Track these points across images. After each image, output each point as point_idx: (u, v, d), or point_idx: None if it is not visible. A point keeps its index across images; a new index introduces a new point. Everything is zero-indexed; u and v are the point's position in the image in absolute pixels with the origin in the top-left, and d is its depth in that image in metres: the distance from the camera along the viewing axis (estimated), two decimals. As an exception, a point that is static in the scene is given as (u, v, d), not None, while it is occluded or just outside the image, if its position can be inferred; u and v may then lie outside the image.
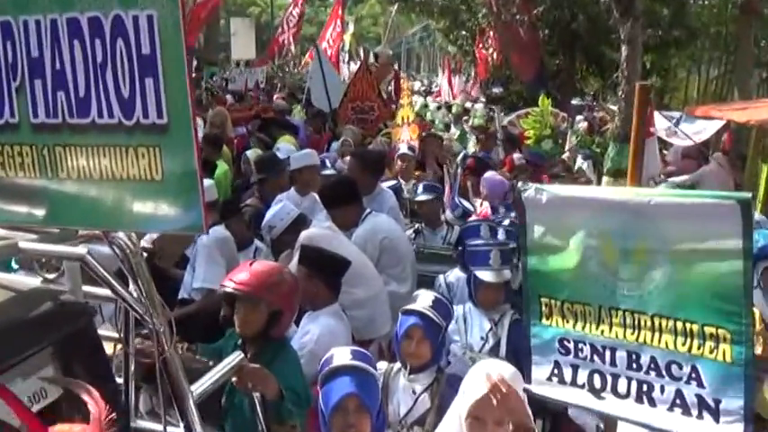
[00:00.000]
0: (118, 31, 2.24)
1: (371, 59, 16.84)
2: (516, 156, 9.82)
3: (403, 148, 8.15)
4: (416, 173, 8.05)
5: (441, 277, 5.17)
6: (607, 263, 2.70)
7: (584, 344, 2.77)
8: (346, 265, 4.13)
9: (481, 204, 7.99)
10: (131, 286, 2.50)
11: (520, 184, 2.93)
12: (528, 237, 2.89)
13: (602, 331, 2.74)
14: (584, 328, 2.78)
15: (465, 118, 16.13)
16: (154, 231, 3.66)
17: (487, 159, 9.51)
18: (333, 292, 4.10)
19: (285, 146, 8.09)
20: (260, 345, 3.36)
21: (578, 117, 13.54)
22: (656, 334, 2.62)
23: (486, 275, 4.34)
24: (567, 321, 2.82)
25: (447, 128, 13.07)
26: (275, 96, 17.11)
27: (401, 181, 7.63)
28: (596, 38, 17.47)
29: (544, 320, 2.88)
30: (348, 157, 9.18)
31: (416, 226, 6.41)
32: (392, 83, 14.76)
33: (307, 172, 6.24)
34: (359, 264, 4.54)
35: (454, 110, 16.51)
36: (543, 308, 2.88)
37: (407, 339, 3.46)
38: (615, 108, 11.12)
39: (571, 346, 2.81)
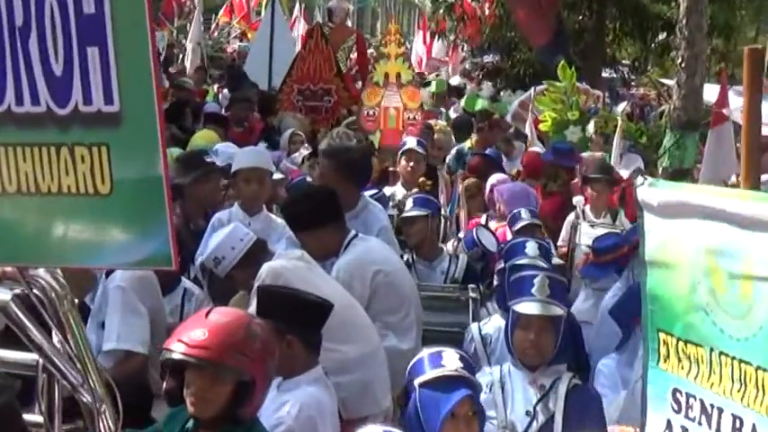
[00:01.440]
0: (46, -19, 2.28)
1: (321, 19, 17.00)
2: (534, 150, 9.97)
3: (411, 142, 8.21)
4: (423, 180, 8.11)
5: (473, 328, 5.21)
6: (716, 291, 2.80)
7: (695, 399, 2.85)
8: (327, 311, 4.17)
9: (487, 221, 8.13)
10: (56, 343, 2.52)
11: (639, 179, 3.04)
12: (646, 248, 2.99)
13: (712, 384, 2.82)
14: (696, 378, 2.85)
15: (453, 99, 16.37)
16: (96, 266, 3.66)
17: (497, 157, 9.65)
18: (312, 351, 4.12)
19: (226, 147, 8.07)
20: (222, 430, 3.36)
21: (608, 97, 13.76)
22: (760, 394, 2.69)
23: (525, 307, 4.41)
24: (682, 367, 2.89)
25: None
26: (185, 72, 17.17)
27: (395, 190, 7.76)
28: (634, -17, 17.89)
29: (662, 364, 2.96)
30: (298, 154, 9.31)
31: (405, 258, 6.42)
32: (354, 51, 14.85)
33: (257, 179, 6.28)
34: (345, 309, 4.56)
35: (435, 87, 16.72)
36: (661, 346, 2.97)
37: (454, 421, 3.55)
38: (671, 82, 11.39)
39: (683, 400, 2.89)
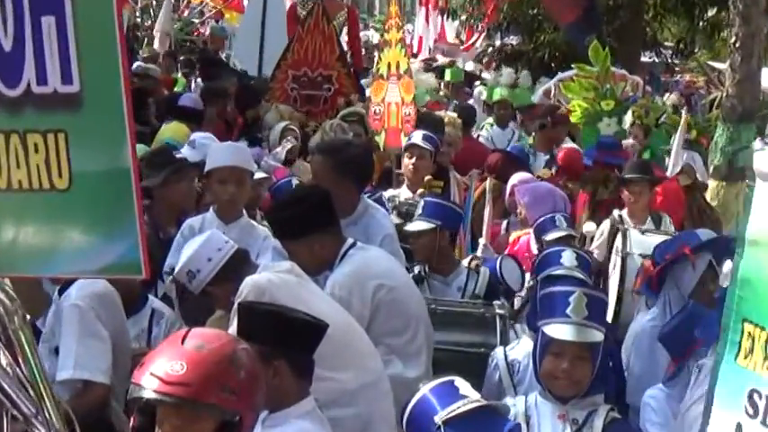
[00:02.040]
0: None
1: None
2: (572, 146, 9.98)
3: (416, 136, 8.21)
4: (430, 179, 8.12)
5: (498, 352, 5.19)
6: None
7: None
8: (320, 331, 4.16)
9: (507, 228, 8.14)
10: (5, 365, 2.52)
11: (756, 143, 3.03)
12: (752, 224, 2.97)
13: None
14: None
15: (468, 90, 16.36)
16: (52, 276, 3.66)
17: (521, 155, 9.66)
18: (303, 380, 4.10)
19: (205, 138, 8.08)
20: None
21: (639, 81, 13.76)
22: None
23: (557, 331, 4.39)
24: (765, 367, 2.91)
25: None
26: (156, 58, 17.19)
27: (399, 192, 7.77)
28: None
29: (741, 359, 2.98)
30: (281, 148, 9.29)
31: (417, 270, 6.45)
32: (344, 31, 14.81)
33: (235, 180, 6.29)
34: (342, 330, 4.54)
35: (450, 76, 16.70)
36: (745, 339, 2.98)
37: None
38: (723, 66, 11.41)
39: (762, 404, 2.90)
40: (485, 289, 6.36)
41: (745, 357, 2.96)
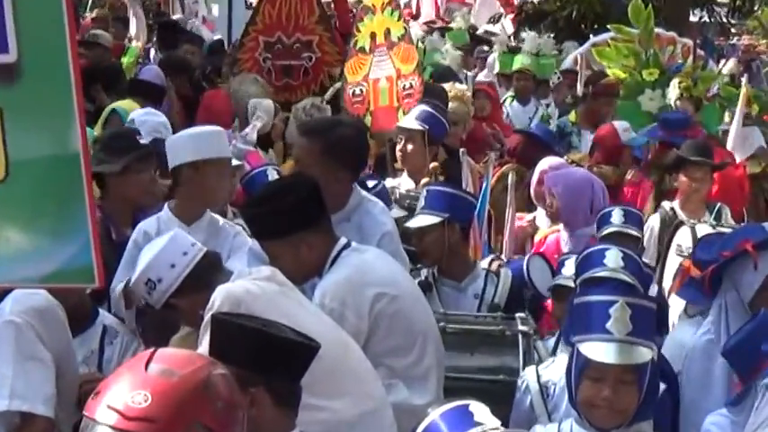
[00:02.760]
0: None
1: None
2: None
3: (408, 116, 8.28)
4: (435, 166, 8.15)
5: (529, 373, 5.21)
6: None
7: None
8: (310, 353, 4.17)
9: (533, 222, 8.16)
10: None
11: None
12: None
13: None
14: None
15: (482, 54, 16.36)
16: None
17: (547, 137, 9.70)
18: (287, 410, 4.11)
19: (151, 116, 8.08)
20: None
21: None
22: None
23: (596, 350, 4.41)
24: None
25: (448, 75, 13.22)
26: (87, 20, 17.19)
27: (399, 182, 7.85)
28: None
29: None
30: (251, 128, 9.30)
31: (424, 276, 6.45)
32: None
33: (208, 172, 6.27)
34: (336, 350, 4.55)
35: (452, 38, 16.70)
36: None
37: None
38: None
39: None
40: (506, 296, 6.38)
41: None
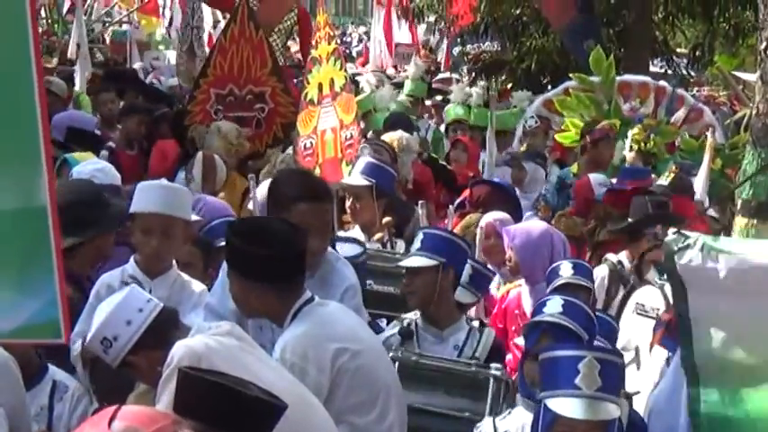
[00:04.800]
0: None
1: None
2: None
3: (353, 176, 8.24)
4: (389, 221, 8.21)
5: (485, 424, 5.21)
6: None
7: None
8: (277, 413, 4.14)
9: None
10: None
11: (671, 235, 2.95)
12: (696, 348, 2.89)
13: None
14: None
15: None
16: None
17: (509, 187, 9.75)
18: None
19: (87, 165, 8.04)
20: None
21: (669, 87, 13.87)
22: None
23: (565, 406, 4.44)
24: None
25: (407, 124, 13.26)
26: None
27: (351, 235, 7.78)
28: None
29: None
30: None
31: (406, 322, 6.40)
32: (295, 33, 14.82)
33: (161, 230, 6.20)
34: (299, 406, 4.49)
35: (409, 88, 16.79)
36: None
37: None
38: (752, 77, 11.53)
39: None
40: (486, 354, 6.30)
41: None
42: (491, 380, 5.87)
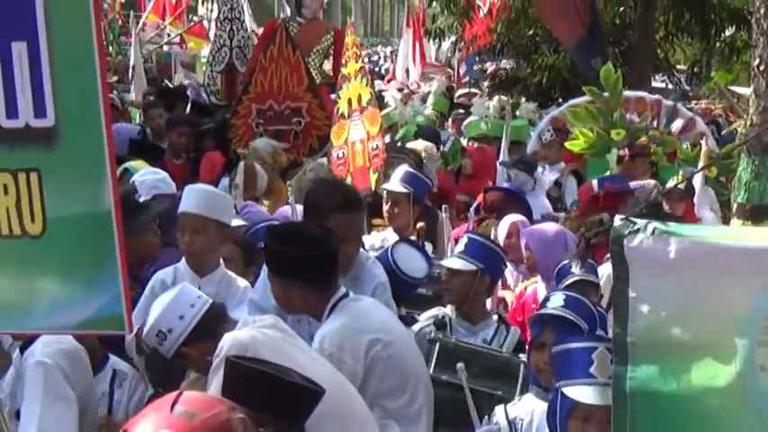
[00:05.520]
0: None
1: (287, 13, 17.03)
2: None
3: (393, 182, 8.21)
4: (422, 226, 8.15)
5: (498, 411, 5.20)
6: None
7: None
8: (315, 398, 4.15)
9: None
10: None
11: (617, 219, 2.96)
12: (631, 326, 2.87)
13: None
14: None
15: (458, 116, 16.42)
16: (22, 333, 3.68)
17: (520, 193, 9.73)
18: (292, 449, 4.12)
19: (148, 175, 8.07)
20: None
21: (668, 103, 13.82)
22: None
23: (583, 393, 4.42)
24: None
25: (435, 136, 13.27)
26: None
27: (385, 236, 7.82)
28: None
29: None
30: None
31: (441, 314, 6.39)
32: (331, 53, 14.88)
33: (192, 229, 6.20)
34: (336, 392, 4.49)
35: (432, 104, 16.76)
36: None
37: None
38: (746, 91, 11.49)
39: None
40: (512, 350, 6.26)
41: None
42: (521, 365, 5.85)
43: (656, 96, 13.08)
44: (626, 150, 11.45)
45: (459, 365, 5.63)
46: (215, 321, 4.98)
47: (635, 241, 2.80)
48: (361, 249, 6.16)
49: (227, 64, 13.97)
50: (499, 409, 5.34)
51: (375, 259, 6.23)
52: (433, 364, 5.78)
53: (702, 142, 11.54)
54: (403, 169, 8.44)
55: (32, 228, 2.32)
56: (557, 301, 5.42)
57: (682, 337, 2.82)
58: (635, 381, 2.93)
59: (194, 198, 6.32)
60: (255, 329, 4.80)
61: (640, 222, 2.83)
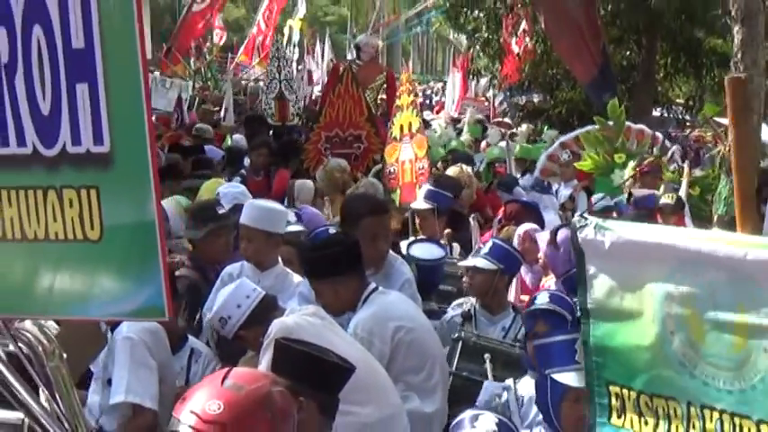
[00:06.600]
0: (34, 14, 2.34)
1: (351, 56, 17.18)
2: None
3: (418, 201, 8.25)
4: (450, 234, 8.23)
5: (510, 383, 5.18)
6: (695, 341, 2.86)
7: None
8: (347, 374, 4.17)
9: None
10: (44, 401, 2.55)
11: (575, 218, 3.10)
12: (588, 295, 3.07)
13: None
14: None
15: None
16: (85, 319, 3.71)
17: (534, 205, 9.66)
18: (327, 416, 4.08)
19: (231, 188, 8.16)
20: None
21: (661, 135, 13.72)
22: None
23: (572, 379, 4.37)
24: (646, 423, 2.96)
25: (467, 159, 13.27)
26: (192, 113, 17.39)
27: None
28: (687, 16, 17.90)
29: (614, 419, 3.04)
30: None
31: (467, 307, 6.43)
32: (385, 90, 14.99)
33: (248, 238, 6.25)
34: (365, 369, 4.52)
35: (466, 134, 16.75)
36: (613, 400, 3.05)
37: None
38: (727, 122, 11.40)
39: None
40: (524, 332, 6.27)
41: (618, 417, 3.05)
42: None
43: (646, 129, 13.00)
44: (638, 170, 11.41)
45: (487, 355, 5.69)
46: (266, 310, 5.02)
47: (583, 233, 3.01)
48: (391, 252, 6.14)
49: (278, 92, 14.26)
50: (510, 381, 5.28)
51: (403, 260, 6.23)
52: (456, 359, 5.78)
53: (685, 165, 11.46)
54: (426, 188, 8.50)
55: (92, 234, 2.33)
56: (543, 298, 5.49)
57: (621, 305, 3.01)
58: (594, 337, 3.09)
59: (247, 212, 6.36)
60: (300, 317, 4.83)
61: (590, 219, 3.01)
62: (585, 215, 3.09)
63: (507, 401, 5.18)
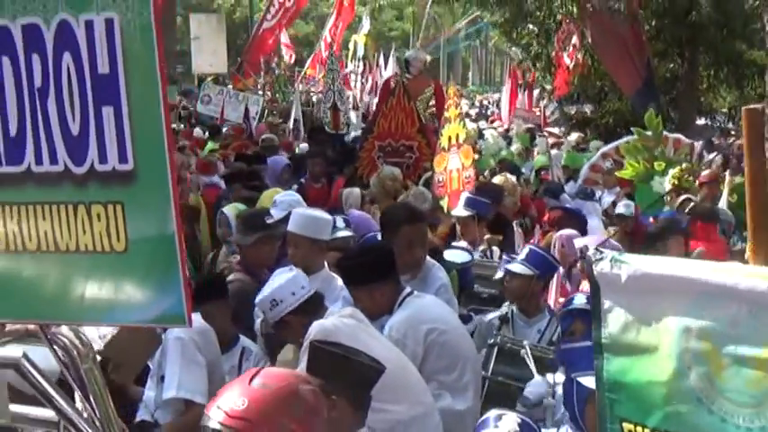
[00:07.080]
0: (64, 43, 2.37)
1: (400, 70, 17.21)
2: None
3: (458, 209, 8.29)
4: (490, 238, 8.21)
5: (547, 377, 5.15)
6: (713, 376, 2.70)
7: None
8: (378, 374, 4.15)
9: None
10: (79, 403, 2.56)
11: (591, 251, 2.97)
12: (603, 330, 2.90)
13: None
14: None
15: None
16: (113, 324, 3.75)
17: (576, 211, 9.57)
18: (359, 413, 4.08)
19: (288, 196, 8.22)
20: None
21: (698, 144, 13.49)
22: None
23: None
24: None
25: (513, 168, 13.19)
26: (262, 125, 17.51)
27: (461, 243, 7.78)
28: (728, 30, 17.67)
29: None
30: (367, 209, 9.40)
31: (505, 310, 6.41)
32: (433, 102, 14.98)
33: (292, 243, 6.27)
34: (397, 369, 4.54)
35: (515, 146, 16.65)
36: None
37: None
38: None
39: None
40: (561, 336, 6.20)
41: None
42: None
43: (683, 138, 12.80)
44: (700, 179, 11.26)
45: (527, 352, 5.62)
46: (315, 304, 5.10)
47: (599, 267, 2.84)
48: (429, 258, 6.12)
49: (333, 102, 14.40)
50: (542, 380, 5.25)
51: (439, 265, 6.20)
52: (492, 363, 5.73)
53: (726, 174, 11.25)
54: (465, 196, 8.50)
55: (118, 246, 2.35)
56: (581, 299, 5.44)
57: (637, 339, 2.82)
58: (608, 372, 2.92)
59: (293, 220, 6.37)
60: (337, 318, 4.84)
61: (606, 252, 2.86)
62: (602, 249, 2.96)
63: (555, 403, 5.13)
